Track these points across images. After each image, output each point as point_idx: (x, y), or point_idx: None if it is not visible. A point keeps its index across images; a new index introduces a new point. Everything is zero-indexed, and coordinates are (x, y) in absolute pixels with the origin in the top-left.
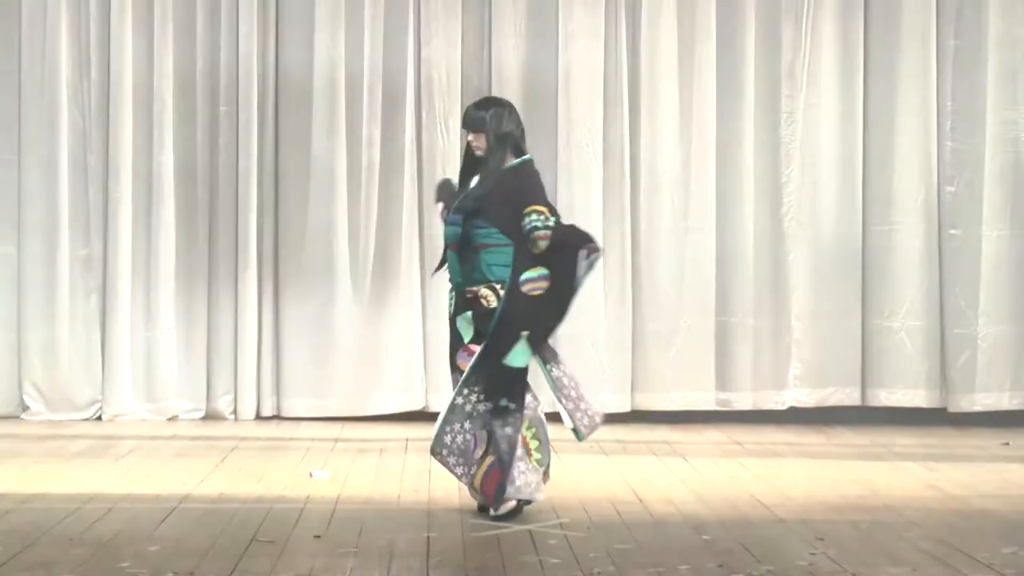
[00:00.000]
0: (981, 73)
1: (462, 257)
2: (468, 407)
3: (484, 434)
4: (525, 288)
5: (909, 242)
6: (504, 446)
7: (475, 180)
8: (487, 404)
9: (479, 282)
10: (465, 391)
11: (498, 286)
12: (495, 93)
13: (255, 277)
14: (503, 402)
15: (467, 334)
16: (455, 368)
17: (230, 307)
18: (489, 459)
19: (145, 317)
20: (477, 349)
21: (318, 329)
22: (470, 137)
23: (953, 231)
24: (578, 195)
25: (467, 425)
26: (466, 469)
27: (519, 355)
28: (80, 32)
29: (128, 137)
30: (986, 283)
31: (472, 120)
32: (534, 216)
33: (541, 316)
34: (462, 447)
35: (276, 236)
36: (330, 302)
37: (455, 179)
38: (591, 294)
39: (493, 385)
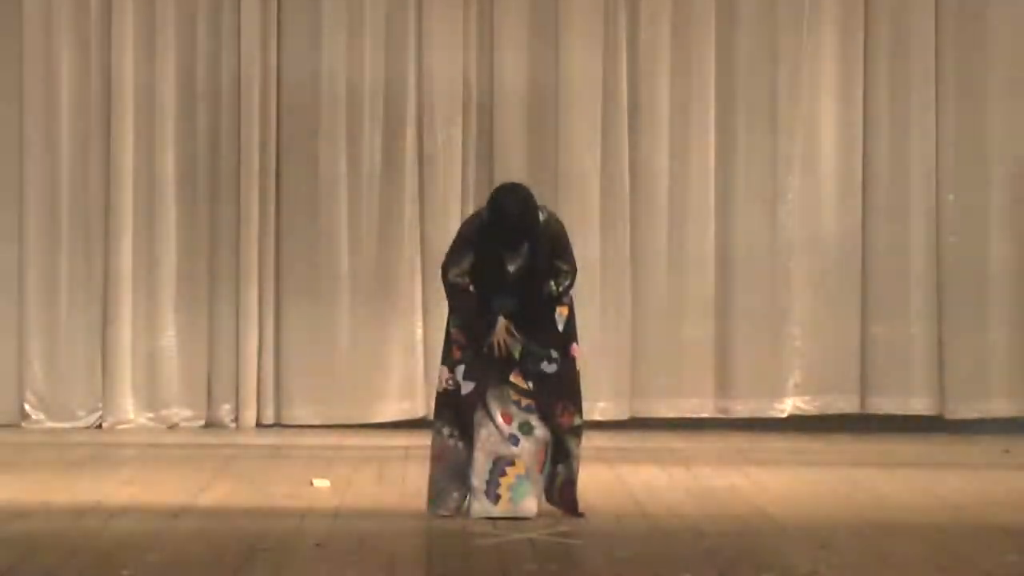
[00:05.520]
0: (982, 82)
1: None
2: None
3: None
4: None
5: (909, 249)
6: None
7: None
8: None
9: None
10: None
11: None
12: (496, 102)
13: (256, 285)
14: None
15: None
16: (504, 382)
17: (231, 315)
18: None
19: (146, 325)
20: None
21: (319, 337)
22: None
23: (952, 238)
24: (576, 201)
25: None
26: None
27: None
28: (81, 41)
29: (129, 145)
30: (985, 290)
31: (522, 235)
32: (564, 279)
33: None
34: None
35: (277, 245)
36: (331, 310)
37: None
38: (590, 299)
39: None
